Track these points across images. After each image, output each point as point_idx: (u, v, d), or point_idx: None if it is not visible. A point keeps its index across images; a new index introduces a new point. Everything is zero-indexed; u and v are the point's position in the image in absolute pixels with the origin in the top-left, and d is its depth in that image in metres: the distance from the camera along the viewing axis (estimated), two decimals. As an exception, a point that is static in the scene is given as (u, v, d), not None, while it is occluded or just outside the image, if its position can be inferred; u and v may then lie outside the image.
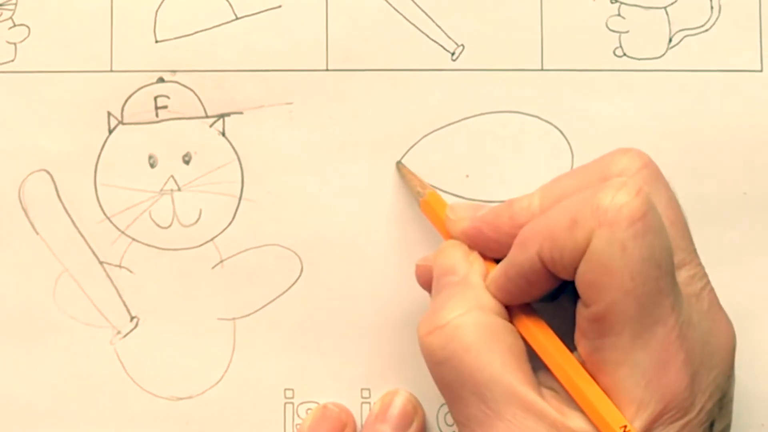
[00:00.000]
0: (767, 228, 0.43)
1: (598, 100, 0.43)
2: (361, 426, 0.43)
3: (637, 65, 0.43)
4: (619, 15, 0.43)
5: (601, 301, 0.34)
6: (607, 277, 0.33)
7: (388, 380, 0.43)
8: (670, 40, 0.43)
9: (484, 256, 0.38)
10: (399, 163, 0.43)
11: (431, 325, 0.36)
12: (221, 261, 0.43)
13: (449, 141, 0.43)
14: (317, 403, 0.43)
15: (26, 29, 0.43)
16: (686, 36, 0.43)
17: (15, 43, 0.43)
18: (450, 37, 0.43)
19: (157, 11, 0.43)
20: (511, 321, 0.37)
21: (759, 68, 0.43)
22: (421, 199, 0.41)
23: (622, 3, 0.43)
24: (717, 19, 0.43)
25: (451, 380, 0.35)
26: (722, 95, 0.43)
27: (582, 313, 0.35)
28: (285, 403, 0.43)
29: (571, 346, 0.36)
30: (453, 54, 0.43)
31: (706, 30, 0.43)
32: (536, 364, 0.36)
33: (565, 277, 0.35)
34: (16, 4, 0.43)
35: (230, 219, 0.43)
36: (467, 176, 0.43)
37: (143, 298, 0.43)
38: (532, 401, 0.34)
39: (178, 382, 0.43)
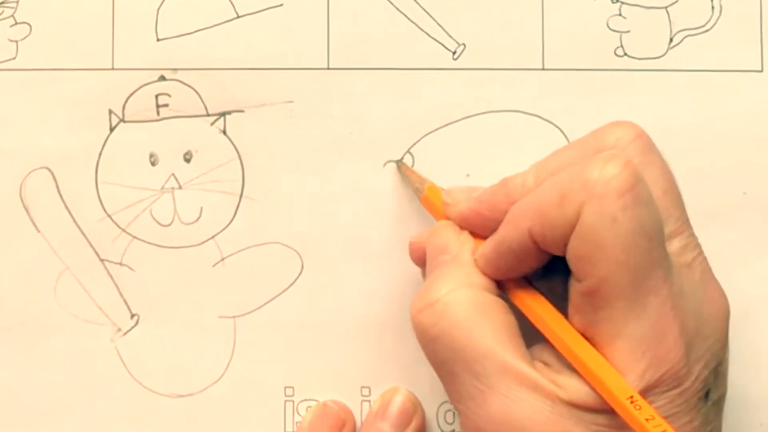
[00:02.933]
0: (767, 228, 0.43)
1: (599, 100, 0.43)
2: (361, 424, 0.43)
3: (637, 65, 0.43)
4: (620, 15, 0.43)
5: (593, 275, 0.34)
6: (599, 250, 0.33)
7: (388, 378, 0.43)
8: (671, 40, 0.43)
9: (475, 235, 0.38)
10: (399, 162, 0.43)
11: (422, 303, 0.36)
12: (222, 259, 0.43)
13: (450, 140, 0.43)
14: (317, 400, 0.43)
15: (28, 27, 0.43)
16: (687, 36, 0.43)
17: (16, 41, 0.43)
18: (451, 36, 0.43)
19: (158, 9, 0.43)
20: (506, 295, 0.37)
21: (759, 68, 0.43)
22: (422, 195, 0.41)
23: (623, 3, 0.43)
24: (718, 19, 0.43)
25: (444, 357, 0.35)
26: (723, 95, 0.43)
27: (575, 287, 0.35)
28: (285, 401, 0.43)
29: None
30: (454, 53, 0.43)
31: (707, 30, 0.43)
32: (527, 339, 0.36)
33: (556, 252, 0.35)
34: (17, 2, 0.43)
35: (231, 217, 0.43)
36: (468, 175, 0.43)
37: (144, 296, 0.43)
38: (526, 374, 0.34)
39: (179, 379, 0.43)
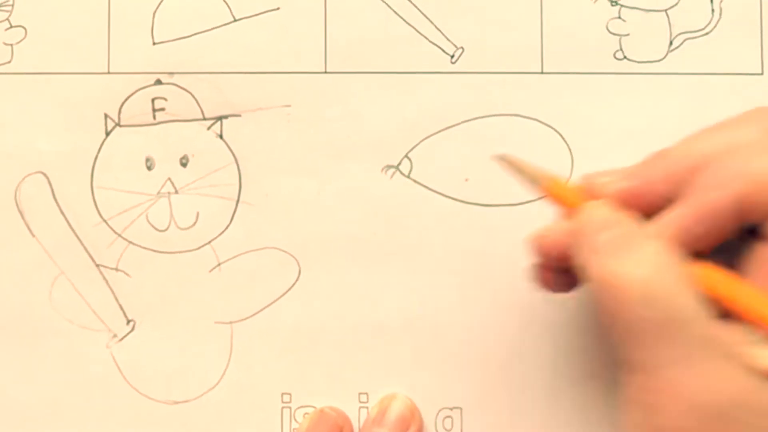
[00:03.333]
0: None
1: (599, 104, 0.43)
2: (359, 430, 0.42)
3: (637, 68, 0.43)
4: (619, 18, 0.43)
5: None
6: None
7: (385, 384, 0.43)
8: (671, 43, 0.43)
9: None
10: (502, 156, 0.39)
11: (626, 265, 0.35)
12: (218, 264, 0.43)
13: (448, 144, 0.43)
14: (315, 407, 0.43)
15: (23, 30, 0.43)
16: (687, 39, 0.43)
17: (12, 45, 0.43)
18: (449, 40, 0.43)
19: (154, 13, 0.43)
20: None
21: (760, 71, 0.43)
22: (544, 185, 0.38)
23: (622, 6, 0.43)
24: (718, 22, 0.43)
25: (653, 319, 0.34)
26: (723, 98, 0.43)
27: None
28: (282, 408, 0.43)
29: None
30: (452, 56, 0.43)
31: (707, 33, 0.43)
32: None
33: (759, 221, 0.35)
34: (12, 6, 0.43)
35: (228, 222, 0.43)
36: (467, 180, 0.43)
37: (140, 302, 0.43)
38: (729, 343, 0.34)
39: (175, 385, 0.43)
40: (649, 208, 0.36)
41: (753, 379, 0.34)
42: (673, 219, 0.36)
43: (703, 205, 0.35)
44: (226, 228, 0.43)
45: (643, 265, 0.35)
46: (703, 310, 0.34)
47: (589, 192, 0.37)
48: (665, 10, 0.43)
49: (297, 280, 0.43)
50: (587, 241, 0.36)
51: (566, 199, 0.38)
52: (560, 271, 0.38)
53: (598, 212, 0.37)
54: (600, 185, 0.37)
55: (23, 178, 0.43)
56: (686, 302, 0.34)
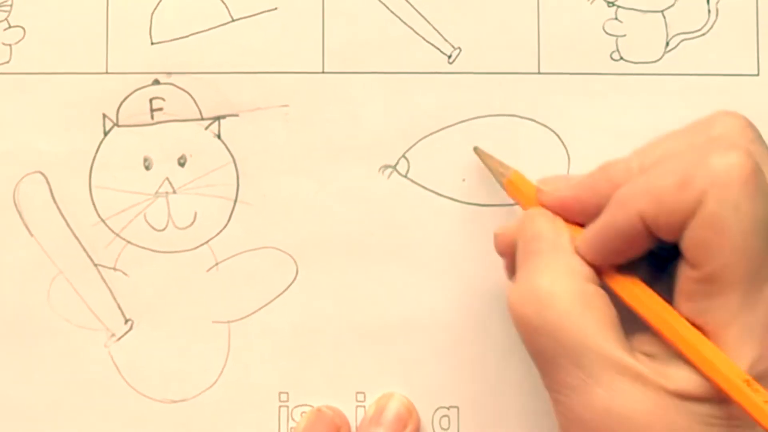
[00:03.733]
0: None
1: (595, 104, 0.43)
2: (356, 429, 0.42)
3: (634, 69, 0.43)
4: (616, 18, 0.43)
5: (711, 262, 0.34)
6: (720, 237, 0.33)
7: (383, 384, 0.43)
8: (668, 44, 0.43)
9: (568, 222, 0.38)
10: (476, 149, 0.42)
11: (524, 293, 0.36)
12: (216, 264, 0.43)
13: (446, 144, 0.43)
14: (312, 406, 0.43)
15: (22, 30, 0.43)
16: (683, 40, 0.43)
17: (10, 45, 0.43)
18: (447, 40, 0.43)
19: (152, 13, 0.43)
20: (605, 284, 0.36)
21: (756, 72, 0.43)
22: (505, 179, 0.41)
23: (619, 6, 0.43)
24: (714, 23, 0.43)
25: (546, 347, 0.35)
26: (719, 99, 0.43)
27: (687, 274, 0.34)
28: (280, 407, 0.43)
29: None
30: (450, 57, 0.43)
31: (704, 34, 0.43)
32: (625, 330, 0.36)
33: (667, 238, 0.35)
34: (11, 6, 0.43)
35: (225, 222, 0.43)
36: (464, 180, 0.43)
37: (138, 301, 0.43)
38: (629, 365, 0.34)
39: (173, 385, 0.43)
40: (586, 218, 0.37)
41: (666, 399, 0.34)
42: (586, 236, 0.37)
43: (609, 223, 0.36)
44: (224, 228, 0.43)
45: (539, 295, 0.35)
46: (608, 334, 0.34)
47: (544, 194, 0.39)
48: (662, 11, 0.43)
49: (294, 279, 0.43)
50: (519, 249, 0.38)
51: (520, 197, 0.40)
52: None
53: (533, 220, 0.38)
54: (542, 192, 0.39)
55: (21, 178, 0.43)
56: (588, 329, 0.35)
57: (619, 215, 0.35)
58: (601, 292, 0.36)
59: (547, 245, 0.37)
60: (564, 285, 0.35)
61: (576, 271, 0.36)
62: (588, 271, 0.36)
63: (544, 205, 0.38)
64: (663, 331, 0.35)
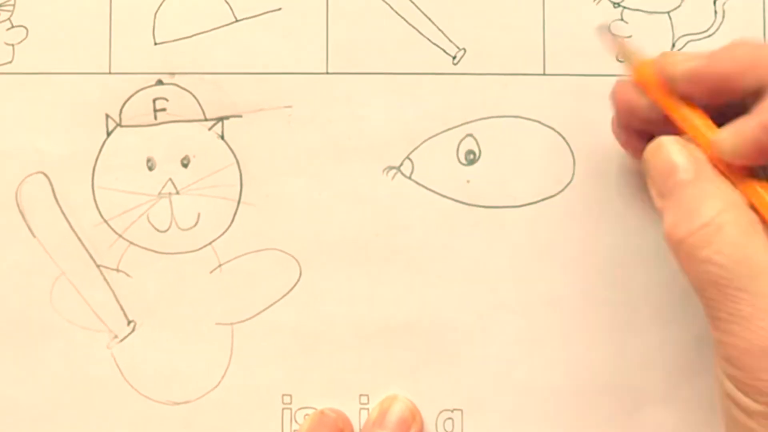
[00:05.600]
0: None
1: (601, 105, 0.43)
2: (359, 432, 0.43)
3: (639, 70, 0.43)
4: (622, 20, 0.43)
5: None
6: None
7: (386, 386, 0.43)
8: (674, 46, 0.43)
9: (688, 99, 0.37)
10: (603, 27, 0.41)
11: (692, 225, 0.35)
12: (219, 265, 0.43)
13: (450, 145, 0.43)
14: (315, 408, 0.43)
15: (24, 30, 0.43)
16: (690, 41, 0.43)
17: (13, 45, 0.43)
18: (451, 41, 0.43)
19: (156, 13, 0.43)
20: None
21: (763, 74, 0.43)
22: (634, 68, 0.39)
23: (625, 8, 0.43)
24: (721, 24, 0.43)
25: (717, 278, 0.35)
26: (726, 101, 0.43)
27: None
28: (283, 409, 0.43)
29: None
30: (454, 58, 0.43)
31: (710, 35, 0.43)
32: None
33: None
34: (14, 6, 0.43)
35: (229, 223, 0.43)
36: (468, 181, 0.43)
37: (141, 302, 0.43)
38: None
39: (176, 386, 0.43)
40: (718, 92, 0.37)
41: None
42: (738, 135, 0.36)
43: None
44: (227, 229, 0.43)
45: (704, 228, 0.35)
46: None
47: (663, 72, 0.38)
48: (668, 12, 0.43)
49: (298, 281, 0.43)
50: (656, 186, 0.37)
51: (648, 85, 0.38)
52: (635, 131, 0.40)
53: (662, 154, 0.37)
54: (671, 65, 0.38)
55: (24, 179, 0.43)
56: (760, 255, 0.34)
57: None
58: (756, 218, 0.36)
59: (691, 175, 0.36)
60: (732, 215, 0.35)
61: (735, 199, 0.36)
62: (741, 196, 0.36)
63: (674, 76, 0.37)
64: None
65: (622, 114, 0.40)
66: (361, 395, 0.43)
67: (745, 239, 0.35)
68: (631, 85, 0.39)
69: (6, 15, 0.43)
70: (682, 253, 0.36)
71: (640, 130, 0.40)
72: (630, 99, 0.39)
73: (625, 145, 0.41)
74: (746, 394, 0.34)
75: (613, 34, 0.41)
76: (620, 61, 0.40)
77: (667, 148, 0.37)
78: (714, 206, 0.35)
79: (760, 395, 0.34)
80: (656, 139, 0.38)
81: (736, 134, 0.36)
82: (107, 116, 0.43)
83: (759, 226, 0.35)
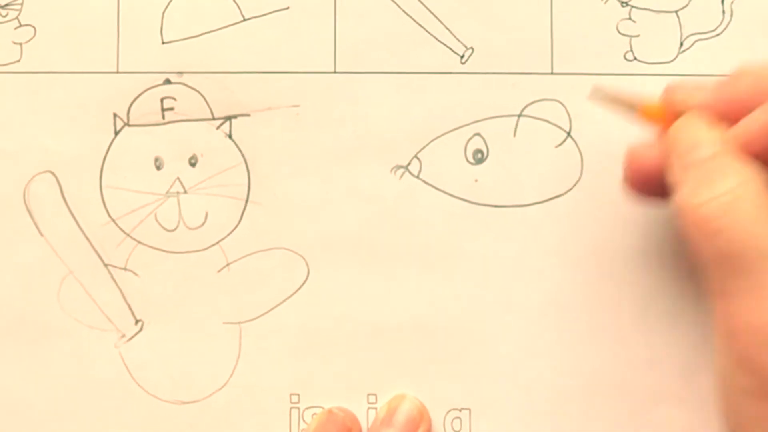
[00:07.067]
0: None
1: (608, 105, 0.43)
2: (367, 431, 0.42)
3: (647, 69, 0.43)
4: (629, 19, 0.43)
5: None
6: None
7: (394, 385, 0.43)
8: (682, 45, 0.43)
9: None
10: (598, 89, 0.41)
11: (709, 194, 0.35)
12: (227, 264, 0.43)
13: (458, 145, 0.43)
14: (323, 407, 0.42)
15: (32, 29, 0.43)
16: (698, 40, 0.43)
17: (21, 44, 0.43)
18: (459, 40, 0.43)
19: (163, 12, 0.43)
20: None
21: (771, 73, 0.43)
22: (640, 108, 0.40)
23: (633, 6, 0.43)
24: (729, 23, 0.43)
25: (727, 251, 0.35)
26: (733, 100, 0.43)
27: None
28: (291, 408, 0.43)
29: None
30: (462, 57, 0.43)
31: (718, 34, 0.43)
32: None
33: None
34: (22, 4, 0.43)
35: (236, 222, 0.43)
36: (476, 181, 0.43)
37: (148, 302, 0.43)
38: None
39: (183, 386, 0.43)
40: (728, 120, 0.37)
41: None
42: (744, 129, 0.37)
43: None
44: (235, 228, 0.43)
45: (721, 198, 0.35)
46: None
47: (673, 107, 0.38)
48: (676, 11, 0.43)
49: (306, 280, 0.43)
50: (680, 159, 0.37)
51: (660, 118, 0.39)
52: (652, 187, 0.39)
53: (688, 130, 0.37)
54: (681, 99, 0.38)
55: (32, 178, 0.43)
56: (763, 235, 0.34)
57: None
58: None
59: (711, 150, 0.37)
60: (749, 189, 0.35)
61: (756, 177, 0.36)
62: (762, 175, 0.36)
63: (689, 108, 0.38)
64: None
65: (635, 181, 0.40)
66: (369, 394, 0.43)
67: (761, 214, 0.35)
68: (643, 149, 0.39)
69: (14, 14, 0.43)
70: (695, 223, 0.35)
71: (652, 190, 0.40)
72: (644, 166, 0.39)
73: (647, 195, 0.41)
74: (745, 370, 0.34)
75: (607, 92, 0.40)
76: (626, 114, 0.40)
77: (695, 123, 0.38)
78: (733, 179, 0.35)
79: (761, 371, 0.34)
80: (684, 115, 0.38)
81: (750, 128, 0.37)
82: (115, 115, 0.43)
83: None
